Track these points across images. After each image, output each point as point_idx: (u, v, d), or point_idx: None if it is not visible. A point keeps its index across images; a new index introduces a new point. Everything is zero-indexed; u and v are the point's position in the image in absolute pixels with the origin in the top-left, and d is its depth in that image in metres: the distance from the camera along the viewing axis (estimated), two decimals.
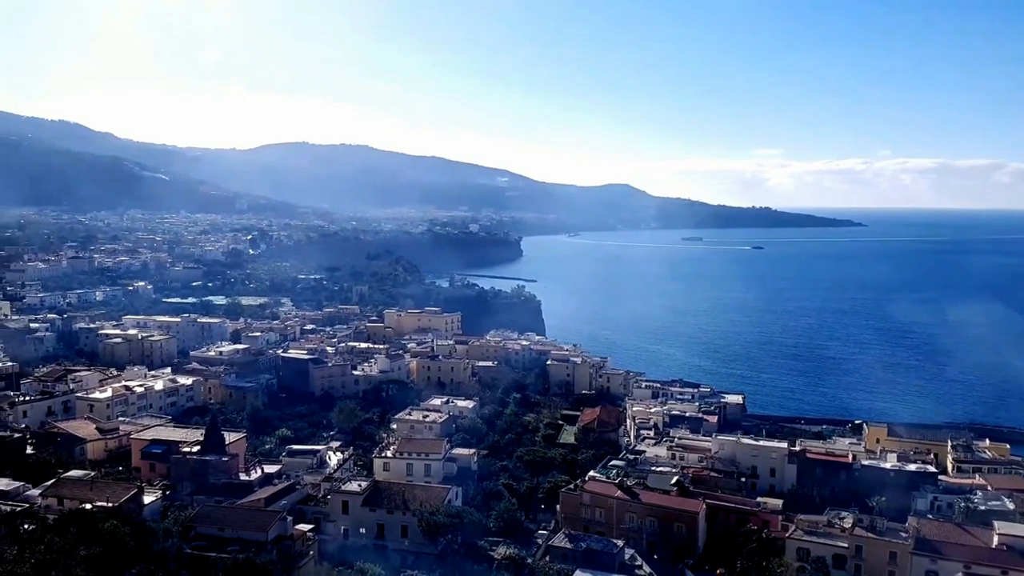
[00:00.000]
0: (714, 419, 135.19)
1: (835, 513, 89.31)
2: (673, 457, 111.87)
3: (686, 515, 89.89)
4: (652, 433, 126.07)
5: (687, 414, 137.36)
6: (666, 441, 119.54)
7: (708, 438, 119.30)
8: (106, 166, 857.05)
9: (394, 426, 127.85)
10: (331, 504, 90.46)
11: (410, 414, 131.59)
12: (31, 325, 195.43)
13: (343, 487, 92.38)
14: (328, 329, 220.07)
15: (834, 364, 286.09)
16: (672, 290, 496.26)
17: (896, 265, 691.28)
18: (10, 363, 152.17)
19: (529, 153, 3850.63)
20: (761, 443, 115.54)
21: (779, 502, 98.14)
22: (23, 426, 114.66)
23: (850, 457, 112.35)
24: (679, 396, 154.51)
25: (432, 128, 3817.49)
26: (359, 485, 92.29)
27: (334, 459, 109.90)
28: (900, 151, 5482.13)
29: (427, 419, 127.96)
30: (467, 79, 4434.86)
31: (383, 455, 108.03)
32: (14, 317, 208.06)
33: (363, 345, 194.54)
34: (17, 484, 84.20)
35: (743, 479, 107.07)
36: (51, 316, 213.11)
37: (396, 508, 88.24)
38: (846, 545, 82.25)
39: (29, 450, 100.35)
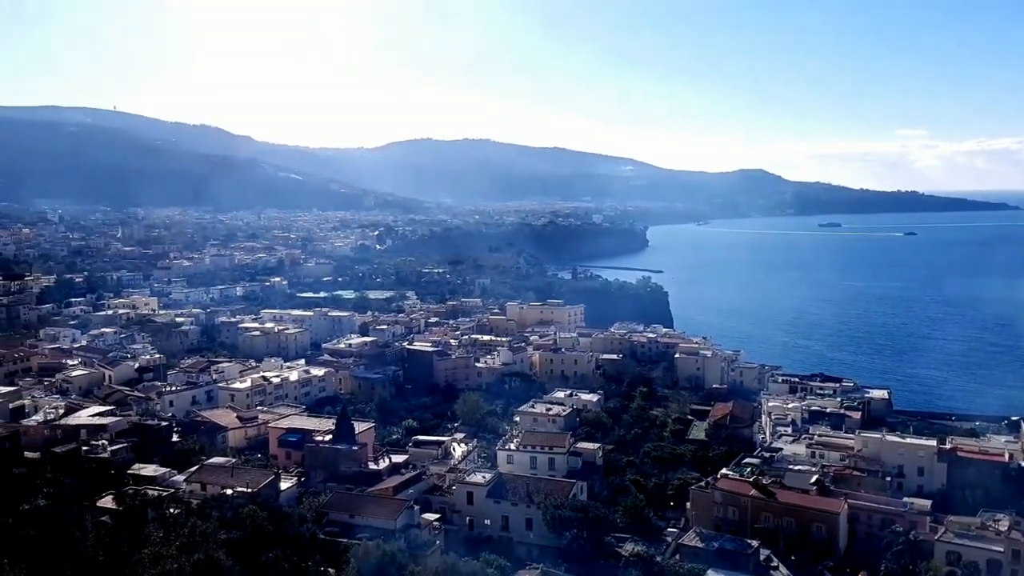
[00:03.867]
0: (857, 415, 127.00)
1: (989, 515, 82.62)
2: (812, 455, 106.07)
3: (826, 515, 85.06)
4: (789, 430, 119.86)
5: (827, 410, 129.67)
6: (805, 438, 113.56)
7: (850, 435, 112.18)
8: (244, 168, 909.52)
9: (517, 419, 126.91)
10: (456, 495, 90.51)
11: (533, 407, 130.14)
12: (177, 320, 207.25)
13: (468, 478, 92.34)
14: (451, 322, 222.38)
15: (989, 356, 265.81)
16: (809, 279, 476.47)
17: None
18: (158, 355, 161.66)
19: (655, 140, 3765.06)
20: (908, 440, 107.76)
21: (927, 503, 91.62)
22: (170, 415, 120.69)
23: (1006, 456, 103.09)
24: (819, 391, 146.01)
25: (554, 118, 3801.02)
26: (483, 477, 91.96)
27: (458, 450, 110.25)
28: None
29: (550, 412, 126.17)
30: (590, 65, 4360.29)
31: (507, 447, 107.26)
32: (161, 312, 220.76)
33: (486, 338, 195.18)
34: (164, 470, 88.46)
35: (888, 478, 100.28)
36: (195, 311, 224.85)
37: (521, 501, 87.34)
38: (1001, 549, 75.82)
39: (175, 438, 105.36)
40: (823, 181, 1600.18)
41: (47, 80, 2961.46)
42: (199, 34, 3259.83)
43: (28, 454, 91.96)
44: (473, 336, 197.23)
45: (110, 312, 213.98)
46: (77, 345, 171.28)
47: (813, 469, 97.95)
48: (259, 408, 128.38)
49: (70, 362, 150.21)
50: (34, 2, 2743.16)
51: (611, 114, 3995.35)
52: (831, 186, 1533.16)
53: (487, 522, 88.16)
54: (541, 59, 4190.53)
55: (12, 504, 69.65)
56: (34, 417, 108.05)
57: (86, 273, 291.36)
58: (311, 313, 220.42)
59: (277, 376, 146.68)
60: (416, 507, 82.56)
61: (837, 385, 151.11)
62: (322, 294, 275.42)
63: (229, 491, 79.67)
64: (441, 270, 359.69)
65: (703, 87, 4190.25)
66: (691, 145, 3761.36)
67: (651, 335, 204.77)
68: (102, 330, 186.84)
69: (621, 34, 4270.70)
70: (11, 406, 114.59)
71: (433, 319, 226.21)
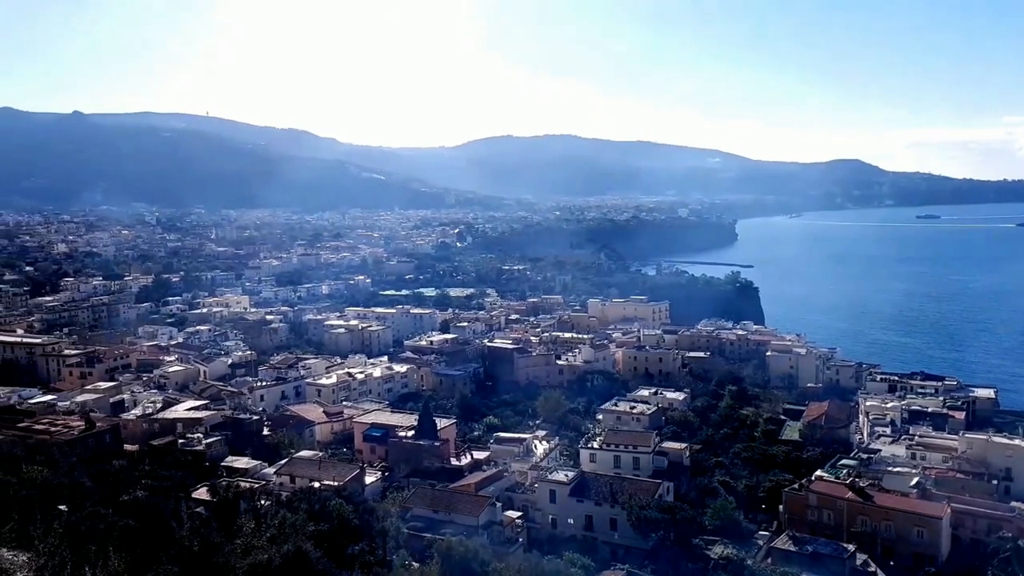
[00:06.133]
0: (961, 415, 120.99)
1: None
2: (913, 457, 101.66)
3: (928, 520, 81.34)
4: (888, 431, 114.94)
5: (929, 410, 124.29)
6: (905, 439, 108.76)
7: (954, 436, 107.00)
8: (330, 169, 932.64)
9: (600, 417, 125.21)
10: (538, 493, 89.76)
11: (616, 405, 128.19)
12: (267, 317, 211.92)
13: (550, 476, 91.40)
14: (532, 319, 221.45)
15: None
16: (908, 273, 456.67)
17: None
18: (249, 352, 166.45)
19: (743, 131, 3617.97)
20: (1016, 442, 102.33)
21: None
22: (260, 409, 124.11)
23: None
24: (920, 390, 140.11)
25: (638, 111, 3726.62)
26: (566, 475, 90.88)
27: (540, 448, 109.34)
28: None
29: (634, 411, 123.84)
30: (675, 55, 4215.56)
31: (589, 446, 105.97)
32: (252, 310, 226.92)
33: (567, 335, 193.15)
34: (255, 463, 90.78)
35: (995, 482, 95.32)
36: (284, 309, 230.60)
37: (604, 500, 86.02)
38: None
39: (266, 431, 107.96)
40: (923, 171, 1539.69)
41: (144, 86, 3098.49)
42: (287, 42, 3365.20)
43: (128, 447, 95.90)
44: (554, 334, 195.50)
45: (205, 310, 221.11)
46: (174, 342, 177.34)
47: (913, 471, 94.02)
48: (344, 403, 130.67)
49: (167, 358, 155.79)
50: (133, 15, 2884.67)
51: (697, 105, 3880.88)
52: (931, 176, 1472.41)
53: (570, 521, 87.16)
54: (623, 50, 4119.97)
55: (113, 495, 72.28)
56: (133, 411, 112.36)
57: (182, 273, 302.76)
58: (394, 311, 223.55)
59: (361, 372, 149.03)
60: (498, 504, 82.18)
61: (939, 384, 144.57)
62: (404, 292, 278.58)
63: (317, 484, 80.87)
64: (521, 267, 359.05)
65: (793, 74, 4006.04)
66: (782, 135, 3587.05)
67: (740, 332, 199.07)
68: (197, 328, 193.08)
69: (707, 21, 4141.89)
70: (112, 401, 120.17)
71: (514, 316, 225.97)
